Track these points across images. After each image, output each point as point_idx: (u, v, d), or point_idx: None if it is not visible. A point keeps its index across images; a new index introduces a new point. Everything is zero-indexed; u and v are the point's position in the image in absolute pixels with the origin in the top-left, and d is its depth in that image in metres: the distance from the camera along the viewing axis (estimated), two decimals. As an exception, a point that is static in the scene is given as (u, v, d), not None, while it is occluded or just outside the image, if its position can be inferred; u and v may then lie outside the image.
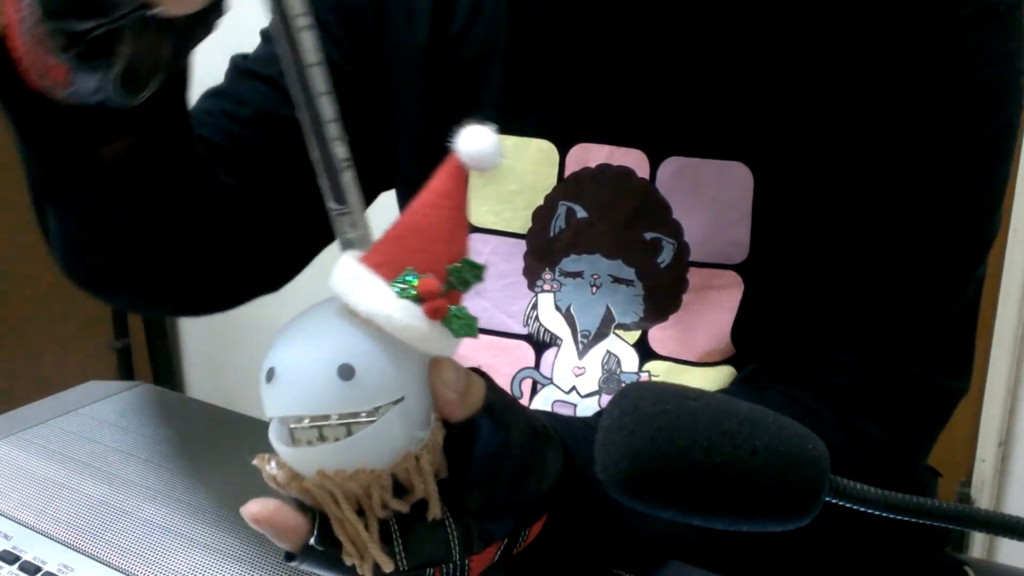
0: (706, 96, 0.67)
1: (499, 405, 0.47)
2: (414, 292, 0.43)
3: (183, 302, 0.77)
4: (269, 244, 0.75)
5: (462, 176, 0.44)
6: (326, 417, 0.43)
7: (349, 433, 0.43)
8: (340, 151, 0.45)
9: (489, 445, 0.46)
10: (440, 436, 0.45)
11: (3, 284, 1.95)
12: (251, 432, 0.80)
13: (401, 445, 0.44)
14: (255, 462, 0.45)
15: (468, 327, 0.44)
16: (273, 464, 0.45)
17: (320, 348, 0.43)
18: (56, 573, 0.61)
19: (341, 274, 0.44)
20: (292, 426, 0.43)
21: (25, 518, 0.67)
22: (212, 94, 0.76)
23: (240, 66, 0.78)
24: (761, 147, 0.66)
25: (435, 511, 0.45)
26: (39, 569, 0.61)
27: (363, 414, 0.43)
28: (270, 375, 0.43)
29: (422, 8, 0.74)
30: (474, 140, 0.43)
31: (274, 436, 0.44)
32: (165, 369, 2.32)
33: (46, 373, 1.99)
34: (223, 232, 0.70)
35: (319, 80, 0.44)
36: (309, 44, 0.43)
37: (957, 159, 0.64)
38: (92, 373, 1.04)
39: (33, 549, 0.63)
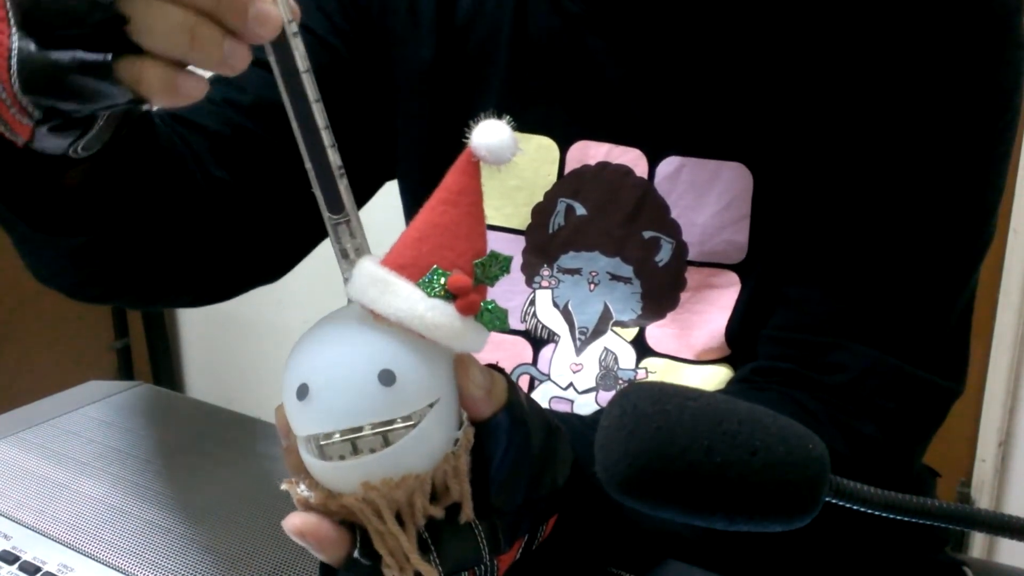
0: (706, 96, 0.67)
1: (517, 402, 0.47)
2: (444, 290, 0.42)
3: (177, 298, 0.75)
4: (266, 235, 0.74)
5: (476, 171, 0.43)
6: (359, 429, 0.42)
7: (386, 442, 0.42)
8: (335, 159, 0.44)
9: (512, 443, 0.45)
10: (471, 435, 0.45)
11: (2, 284, 1.95)
12: (251, 432, 0.81)
13: (441, 448, 0.44)
14: (283, 487, 0.45)
15: (499, 320, 0.44)
16: (303, 487, 0.44)
17: (355, 357, 0.42)
18: (56, 573, 0.61)
19: (362, 280, 0.43)
20: (322, 442, 0.42)
21: (25, 518, 0.67)
22: (215, 80, 0.76)
23: None
24: (761, 147, 0.66)
25: (468, 513, 0.44)
26: (39, 569, 0.61)
27: (398, 420, 0.42)
28: (303, 392, 0.42)
29: (426, 1, 0.74)
30: (489, 133, 0.42)
31: (305, 454, 0.43)
32: (165, 369, 2.33)
33: (46, 373, 1.99)
34: (213, 228, 0.69)
35: (311, 87, 0.43)
36: (299, 51, 0.42)
37: (957, 162, 0.64)
38: (92, 373, 1.05)
39: (33, 549, 0.63)
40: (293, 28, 0.42)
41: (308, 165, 0.44)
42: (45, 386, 0.92)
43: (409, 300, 0.42)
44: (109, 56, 0.39)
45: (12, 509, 0.68)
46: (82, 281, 0.65)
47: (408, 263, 0.43)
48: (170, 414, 0.84)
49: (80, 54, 0.40)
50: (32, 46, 0.40)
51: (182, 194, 0.66)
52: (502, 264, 0.44)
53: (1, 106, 0.43)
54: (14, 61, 0.40)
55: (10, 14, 0.40)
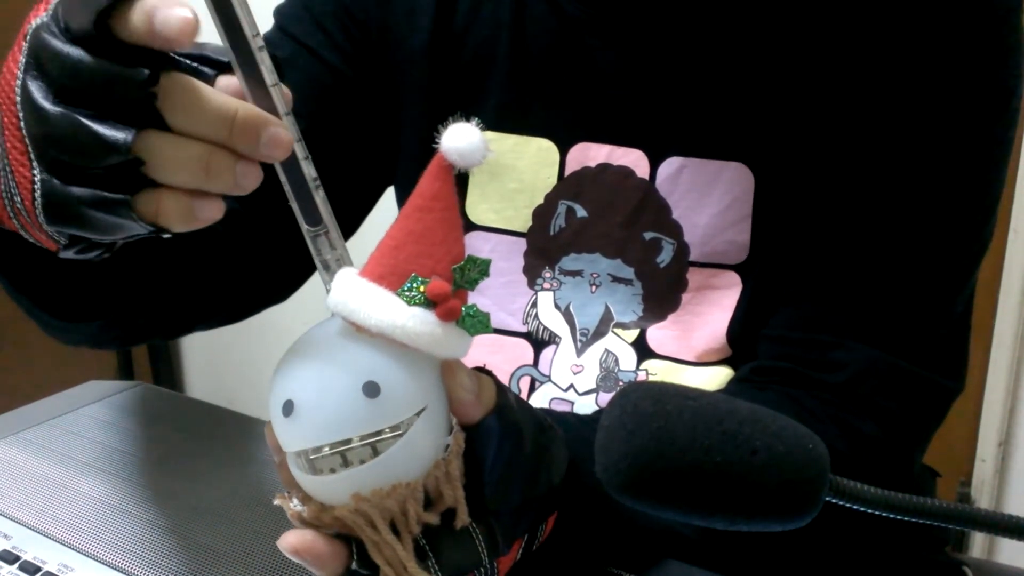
0: (707, 96, 0.67)
1: (507, 404, 0.47)
2: (423, 297, 0.42)
3: (190, 330, 0.76)
4: (275, 258, 0.75)
5: (448, 175, 0.44)
6: (347, 441, 0.42)
7: (375, 452, 0.42)
8: (309, 171, 0.43)
9: (503, 446, 0.46)
10: (462, 440, 0.45)
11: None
12: (251, 432, 0.80)
13: (431, 455, 0.44)
14: (276, 502, 0.45)
15: (482, 324, 0.44)
16: (295, 501, 0.44)
17: (339, 371, 0.42)
18: (56, 573, 0.61)
19: (341, 292, 0.43)
20: (312, 456, 0.42)
21: (25, 518, 0.67)
22: None
23: None
24: (762, 147, 0.66)
25: (463, 518, 0.44)
26: (39, 569, 0.61)
27: (386, 431, 0.42)
28: (288, 408, 0.42)
29: (424, 7, 0.74)
30: (458, 137, 0.43)
31: (296, 470, 0.43)
32: (165, 369, 2.32)
33: (46, 373, 1.99)
34: (223, 261, 0.70)
35: (279, 101, 0.42)
36: (267, 65, 0.41)
37: (956, 161, 0.64)
38: (92, 373, 1.04)
39: (33, 549, 0.63)
40: (257, 43, 0.41)
41: (283, 179, 0.43)
42: (45, 386, 0.92)
43: (389, 310, 0.42)
44: (127, 196, 0.40)
45: (12, 509, 0.68)
46: (102, 341, 0.68)
47: (386, 272, 0.43)
48: (170, 414, 0.84)
49: (99, 192, 0.40)
50: (55, 180, 0.41)
51: (195, 241, 0.66)
52: (480, 268, 0.44)
53: (28, 227, 0.44)
54: (38, 194, 0.41)
55: (30, 149, 0.41)
